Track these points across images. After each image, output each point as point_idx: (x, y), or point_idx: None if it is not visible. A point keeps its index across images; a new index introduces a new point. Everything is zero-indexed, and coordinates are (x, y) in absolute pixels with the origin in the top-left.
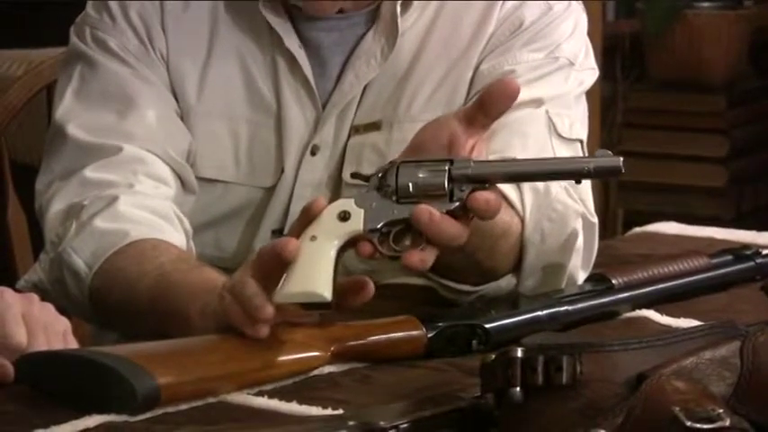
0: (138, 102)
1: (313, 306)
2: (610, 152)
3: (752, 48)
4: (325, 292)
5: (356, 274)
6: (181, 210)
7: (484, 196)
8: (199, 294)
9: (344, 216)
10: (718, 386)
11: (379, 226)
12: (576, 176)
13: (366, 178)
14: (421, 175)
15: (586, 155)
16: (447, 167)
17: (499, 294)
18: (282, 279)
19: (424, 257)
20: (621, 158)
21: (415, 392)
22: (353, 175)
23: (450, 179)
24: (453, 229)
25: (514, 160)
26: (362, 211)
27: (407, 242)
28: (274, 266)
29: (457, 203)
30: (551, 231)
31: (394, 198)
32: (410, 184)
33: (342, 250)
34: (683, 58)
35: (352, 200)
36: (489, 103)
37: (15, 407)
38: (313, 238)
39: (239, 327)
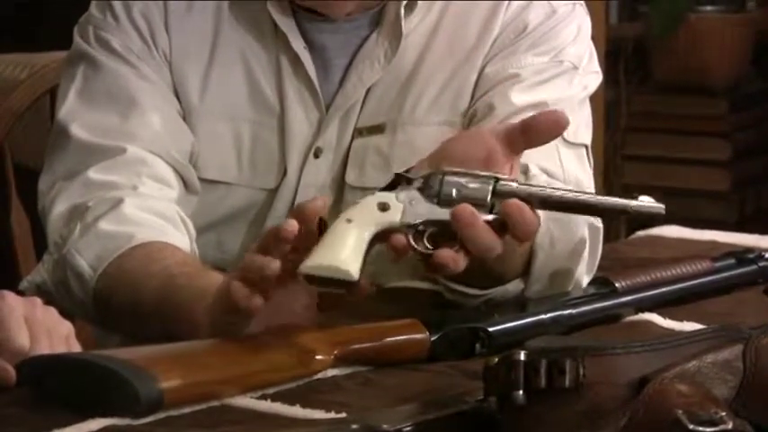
0: (141, 102)
1: (335, 284)
2: (653, 199)
3: (755, 51)
4: (352, 269)
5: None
6: (185, 211)
7: (518, 204)
8: (206, 297)
9: (384, 207)
10: (721, 389)
11: (416, 221)
12: (617, 214)
13: (409, 179)
14: (467, 185)
15: (591, 159)
16: (492, 183)
17: (506, 298)
18: (311, 253)
19: (456, 258)
20: (663, 206)
21: (419, 396)
22: (397, 176)
23: (494, 194)
24: (490, 238)
25: (560, 189)
26: (402, 205)
27: (440, 245)
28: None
29: (496, 215)
30: (560, 237)
31: (435, 201)
32: (454, 191)
33: (374, 239)
34: (686, 61)
35: (394, 194)
36: (534, 131)
37: (18, 410)
38: (349, 220)
39: (239, 301)
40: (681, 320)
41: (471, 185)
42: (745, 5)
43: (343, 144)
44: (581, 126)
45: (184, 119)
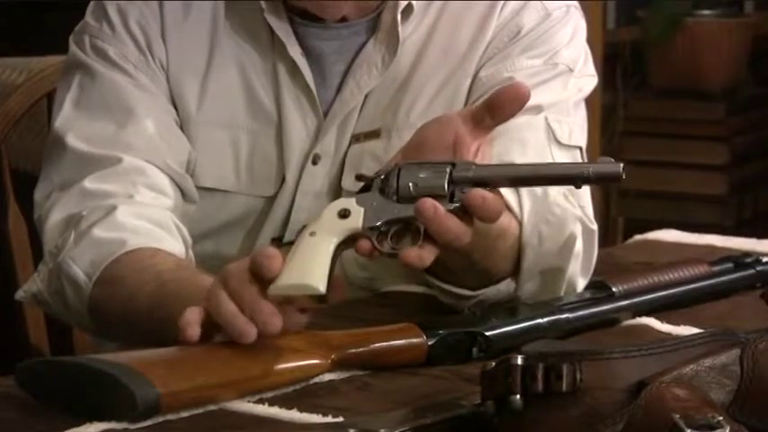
0: (137, 112)
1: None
2: (611, 159)
3: (752, 55)
4: (320, 284)
5: (353, 281)
6: (181, 219)
7: (480, 193)
8: (196, 304)
9: (344, 213)
10: (718, 393)
11: (378, 224)
12: (577, 181)
13: (370, 179)
14: (422, 176)
15: (586, 161)
16: (449, 169)
17: (499, 299)
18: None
19: (422, 254)
20: (622, 165)
21: (416, 400)
22: (358, 177)
23: (452, 181)
24: (456, 227)
25: (515, 164)
26: (362, 209)
27: (406, 241)
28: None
29: (457, 204)
30: (549, 234)
31: (395, 198)
32: (411, 185)
33: (340, 247)
34: (683, 65)
35: (353, 199)
36: (498, 107)
37: (16, 414)
38: (312, 233)
39: (229, 323)
40: (678, 325)
41: (427, 177)
42: (742, 10)
43: (340, 150)
44: (575, 128)
45: (182, 128)
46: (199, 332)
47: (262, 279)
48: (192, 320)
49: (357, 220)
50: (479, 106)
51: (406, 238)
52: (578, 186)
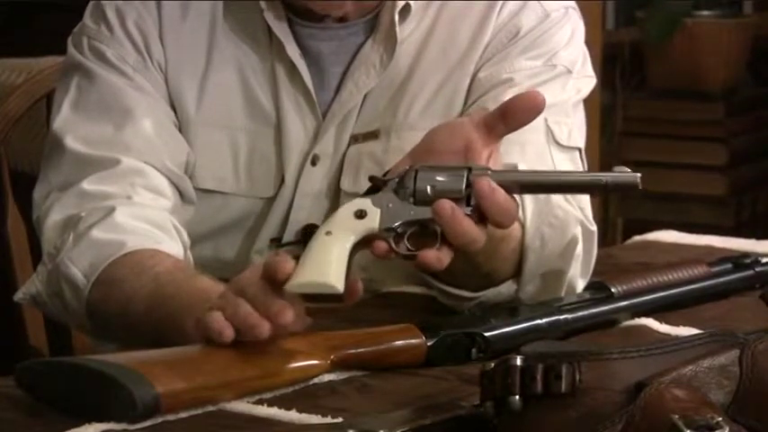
0: (135, 113)
1: (323, 298)
2: (628, 168)
3: (751, 56)
4: (337, 283)
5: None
6: (180, 221)
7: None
8: (193, 306)
9: (361, 214)
10: (717, 394)
11: (394, 225)
12: (593, 190)
13: (382, 181)
14: (439, 179)
15: (585, 163)
16: (465, 173)
17: (499, 300)
18: (295, 270)
19: (440, 256)
20: (639, 175)
21: (415, 401)
22: (371, 179)
23: (468, 185)
24: (472, 230)
25: (532, 171)
26: (379, 210)
27: (421, 244)
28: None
29: (473, 206)
30: (551, 237)
31: (411, 200)
32: (428, 187)
33: (356, 247)
34: (682, 66)
35: (369, 199)
36: (512, 114)
37: (15, 414)
38: (328, 232)
39: (244, 319)
40: (677, 325)
41: (444, 179)
42: (741, 10)
43: (339, 151)
44: (574, 129)
45: (180, 129)
46: (233, 332)
47: (275, 283)
48: (223, 323)
49: (374, 220)
50: (493, 113)
51: (422, 241)
52: (595, 195)
